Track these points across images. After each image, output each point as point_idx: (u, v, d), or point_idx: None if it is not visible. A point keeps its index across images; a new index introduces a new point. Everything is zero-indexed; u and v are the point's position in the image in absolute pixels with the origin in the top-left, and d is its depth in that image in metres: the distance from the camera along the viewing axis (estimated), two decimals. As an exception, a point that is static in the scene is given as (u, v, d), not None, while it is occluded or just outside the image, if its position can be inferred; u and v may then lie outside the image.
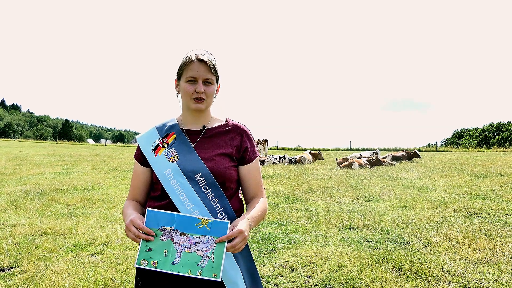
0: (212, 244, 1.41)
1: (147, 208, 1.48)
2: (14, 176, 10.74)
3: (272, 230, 5.46)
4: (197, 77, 1.60)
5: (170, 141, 1.68)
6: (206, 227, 1.42)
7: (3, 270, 3.82)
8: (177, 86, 1.70)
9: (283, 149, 32.86)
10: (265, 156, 17.73)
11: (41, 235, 5.03)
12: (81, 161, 15.72)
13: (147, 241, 1.44)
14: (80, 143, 50.23)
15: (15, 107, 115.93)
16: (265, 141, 19.75)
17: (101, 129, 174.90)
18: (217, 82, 1.68)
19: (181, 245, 1.42)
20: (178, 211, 1.55)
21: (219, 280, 1.40)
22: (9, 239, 4.77)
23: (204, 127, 1.70)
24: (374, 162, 14.81)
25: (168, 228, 1.43)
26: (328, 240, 4.96)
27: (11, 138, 58.34)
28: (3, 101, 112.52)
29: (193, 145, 1.66)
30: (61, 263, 4.01)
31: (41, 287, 3.41)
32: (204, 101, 1.63)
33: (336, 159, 15.70)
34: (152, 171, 1.67)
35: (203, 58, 1.60)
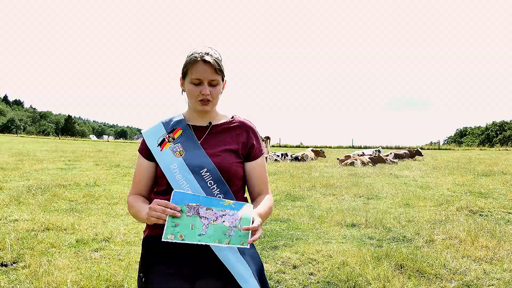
0: (238, 216, 1.43)
1: (174, 190, 1.47)
2: (16, 171, 10.78)
3: (274, 227, 5.46)
4: (202, 79, 1.58)
5: (176, 136, 1.67)
6: (231, 205, 1.47)
7: (5, 265, 3.83)
8: (182, 84, 1.68)
9: (286, 146, 32.86)
10: (267, 153, 17.70)
11: (43, 230, 5.05)
12: (84, 157, 15.77)
13: (174, 217, 1.43)
14: (83, 139, 50.42)
15: (17, 103, 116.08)
16: (268, 138, 19.72)
17: (104, 125, 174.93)
18: (223, 80, 1.66)
19: (207, 218, 1.43)
20: None
21: (248, 247, 1.41)
22: (11, 234, 4.78)
23: (210, 123, 1.70)
24: (377, 160, 14.80)
25: (194, 204, 1.44)
26: (330, 238, 4.96)
27: (13, 133, 58.54)
28: (5, 97, 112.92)
29: (199, 141, 1.65)
30: (64, 259, 4.03)
31: (43, 282, 3.42)
32: (210, 102, 1.62)
33: (338, 158, 15.64)
34: (156, 165, 1.67)
35: (207, 59, 1.57)
